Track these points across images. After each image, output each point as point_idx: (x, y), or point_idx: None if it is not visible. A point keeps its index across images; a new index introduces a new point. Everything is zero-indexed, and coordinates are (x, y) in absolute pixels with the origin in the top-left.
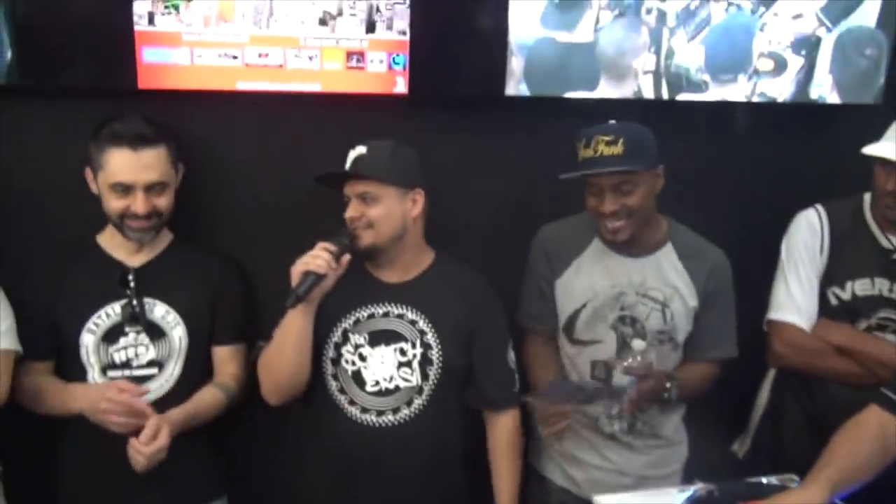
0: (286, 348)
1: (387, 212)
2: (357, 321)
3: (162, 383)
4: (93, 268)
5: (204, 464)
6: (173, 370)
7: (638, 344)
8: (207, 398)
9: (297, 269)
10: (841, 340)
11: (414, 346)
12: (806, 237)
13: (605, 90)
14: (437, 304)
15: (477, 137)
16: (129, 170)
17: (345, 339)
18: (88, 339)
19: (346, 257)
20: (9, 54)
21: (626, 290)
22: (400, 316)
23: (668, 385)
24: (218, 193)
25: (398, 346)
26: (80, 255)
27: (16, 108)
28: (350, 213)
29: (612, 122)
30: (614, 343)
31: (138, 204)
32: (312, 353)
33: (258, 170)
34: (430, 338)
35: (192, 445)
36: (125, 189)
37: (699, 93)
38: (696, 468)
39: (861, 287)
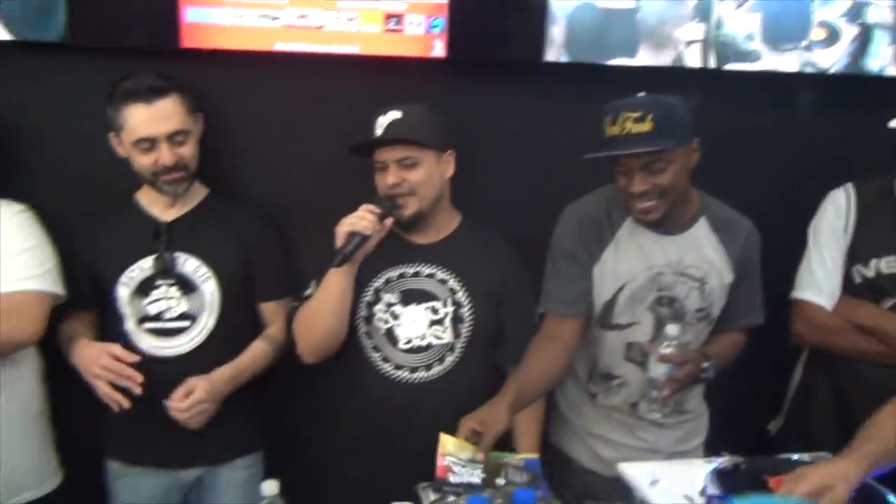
0: (326, 308)
1: (428, 175)
2: (388, 280)
3: (194, 336)
4: (129, 223)
5: (242, 418)
6: (206, 323)
7: (672, 329)
8: (255, 352)
9: (343, 228)
10: (863, 319)
11: (445, 304)
12: (830, 216)
13: (645, 58)
14: (467, 265)
15: (514, 103)
16: (149, 123)
17: (377, 298)
18: (123, 292)
19: (390, 220)
20: (62, 15)
21: (664, 270)
22: (430, 275)
23: (705, 365)
24: (254, 153)
25: (430, 304)
26: (118, 211)
27: (67, 66)
28: (391, 179)
29: (641, 94)
30: (651, 325)
31: (164, 155)
32: None
33: (295, 131)
34: (461, 296)
35: (231, 400)
36: (149, 143)
37: (748, 62)
38: (719, 442)
39: (887, 265)
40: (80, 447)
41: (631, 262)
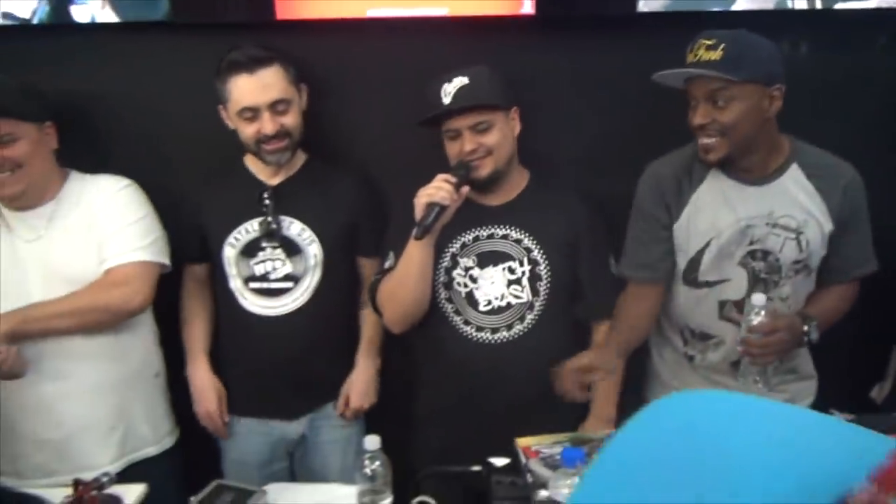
0: (409, 279)
1: (502, 136)
2: (464, 245)
3: (297, 296)
4: (237, 186)
5: (339, 371)
6: (310, 283)
7: (758, 299)
8: (374, 325)
9: (421, 200)
10: None
11: (522, 263)
12: None
13: (745, 2)
14: (540, 222)
15: (608, 58)
16: (252, 93)
17: (454, 263)
18: (230, 252)
19: (465, 188)
20: None
21: (754, 223)
22: (504, 236)
23: (806, 328)
24: (351, 118)
25: (506, 265)
26: (226, 174)
27: (173, 43)
28: (467, 146)
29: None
30: (745, 280)
31: (266, 124)
32: None
33: (389, 94)
34: (537, 254)
35: (331, 355)
36: (252, 112)
37: (858, 1)
38: (828, 402)
39: None
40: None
41: (715, 217)
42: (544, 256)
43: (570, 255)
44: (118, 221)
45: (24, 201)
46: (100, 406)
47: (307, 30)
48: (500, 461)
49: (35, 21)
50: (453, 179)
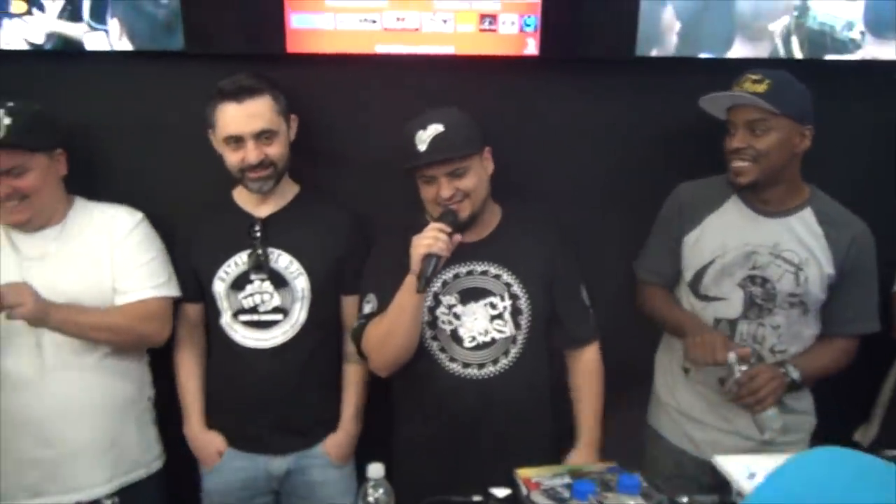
0: (401, 327)
1: (477, 179)
2: (445, 283)
3: (287, 329)
4: (225, 220)
5: (326, 409)
6: (298, 317)
7: (732, 357)
8: (357, 381)
9: (419, 251)
10: None
11: (503, 298)
12: None
13: (740, 50)
14: (516, 255)
15: (606, 99)
16: (236, 121)
17: (437, 301)
18: (219, 287)
19: (458, 236)
20: (181, 26)
21: (759, 250)
22: (484, 272)
23: (783, 370)
24: (356, 152)
25: (488, 300)
26: (215, 208)
27: (185, 73)
28: (445, 192)
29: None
30: (741, 301)
31: (250, 153)
32: None
33: (394, 130)
34: (517, 289)
35: (316, 394)
36: (237, 141)
37: (845, 53)
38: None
39: None
40: (178, 432)
41: (724, 237)
42: (524, 290)
43: (546, 285)
44: (139, 258)
45: (29, 226)
46: (96, 427)
47: (316, 63)
48: (500, 492)
49: (48, 47)
50: (447, 229)
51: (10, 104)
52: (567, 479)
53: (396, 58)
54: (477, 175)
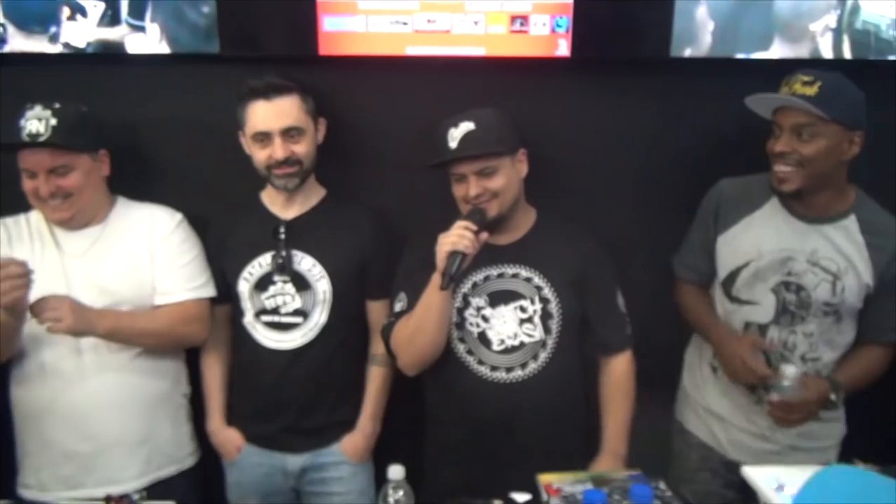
0: (428, 325)
1: (507, 179)
2: (475, 285)
3: (306, 332)
4: (252, 221)
5: (347, 409)
6: (318, 319)
7: (790, 370)
8: (380, 382)
9: (444, 248)
10: None
11: (533, 302)
12: None
13: (779, 51)
14: (548, 260)
15: (640, 101)
16: (265, 118)
17: (466, 303)
18: (244, 287)
19: (484, 234)
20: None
21: (796, 256)
22: (515, 275)
23: (833, 397)
24: (386, 154)
25: (518, 303)
26: (244, 209)
27: (224, 75)
28: (473, 190)
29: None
30: (773, 306)
31: (277, 149)
32: None
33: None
34: (548, 292)
35: (336, 392)
36: (264, 137)
37: (890, 54)
38: (856, 447)
39: None
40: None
41: (760, 241)
42: (555, 294)
43: (579, 292)
44: (180, 258)
45: (72, 224)
46: (132, 422)
47: (348, 65)
48: (521, 497)
49: (90, 51)
50: (473, 227)
51: (57, 105)
52: (589, 486)
53: (427, 60)
54: (507, 176)
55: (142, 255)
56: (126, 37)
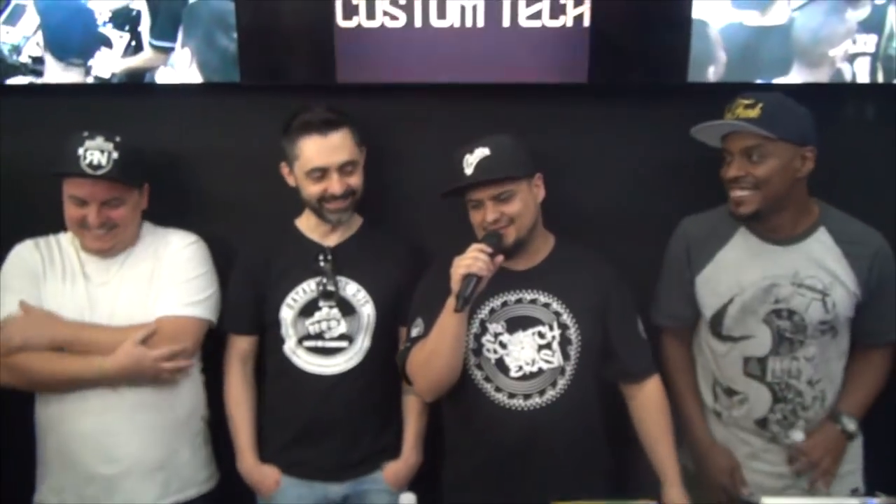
0: (443, 350)
1: (523, 205)
2: (492, 311)
3: (351, 356)
4: (292, 249)
5: (385, 438)
6: (362, 344)
7: (796, 435)
8: (418, 411)
9: (458, 271)
10: None
11: (551, 328)
12: None
13: (797, 76)
14: (567, 285)
15: (658, 126)
16: (323, 154)
17: (483, 329)
18: (287, 314)
19: (500, 258)
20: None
21: (779, 282)
22: (533, 301)
23: (839, 427)
24: (401, 182)
25: (536, 329)
26: (281, 238)
27: (245, 103)
28: (490, 216)
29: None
30: (769, 338)
31: (334, 185)
32: None
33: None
34: (566, 318)
35: (376, 421)
36: (321, 172)
37: None
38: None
39: None
40: (232, 453)
41: (739, 274)
42: (574, 320)
43: (599, 319)
44: (178, 276)
45: (108, 254)
46: (153, 446)
47: (366, 93)
48: None
49: (115, 81)
50: (488, 249)
51: (118, 139)
52: None
53: (444, 86)
54: (523, 200)
55: (150, 277)
56: (153, 64)
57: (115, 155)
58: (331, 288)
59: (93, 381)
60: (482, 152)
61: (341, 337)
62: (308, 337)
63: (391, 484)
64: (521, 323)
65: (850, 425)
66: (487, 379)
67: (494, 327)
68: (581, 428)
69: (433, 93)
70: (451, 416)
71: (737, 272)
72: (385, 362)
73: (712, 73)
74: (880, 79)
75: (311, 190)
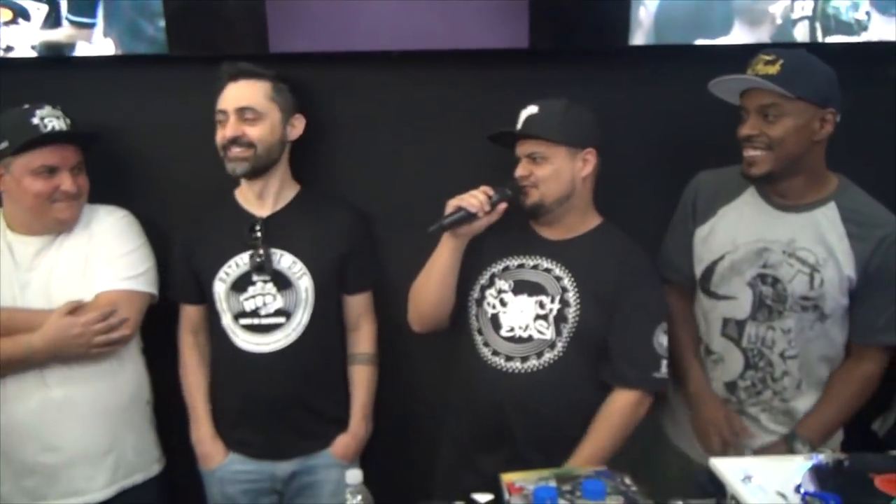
0: (431, 278)
1: (554, 172)
2: (506, 268)
3: (289, 332)
4: (226, 220)
5: (334, 412)
6: (301, 319)
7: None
8: (367, 380)
9: (452, 202)
10: None
11: (553, 300)
12: None
13: (740, 35)
14: (586, 266)
15: (600, 91)
16: (226, 97)
17: (491, 282)
18: (220, 288)
19: (503, 206)
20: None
21: (772, 247)
22: (547, 270)
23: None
24: (345, 153)
25: (538, 298)
26: (215, 208)
27: (172, 74)
28: (519, 171)
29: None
30: (749, 301)
31: (229, 129)
32: (464, 291)
33: (385, 129)
34: (571, 296)
35: (322, 395)
36: (223, 116)
37: (849, 35)
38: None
39: None
40: (177, 436)
41: (735, 232)
42: (577, 301)
43: (605, 310)
44: (112, 251)
45: (64, 227)
46: (96, 432)
47: (300, 62)
48: (483, 497)
49: (34, 54)
50: (491, 193)
51: (59, 107)
52: (552, 484)
53: (384, 54)
54: (555, 167)
55: (83, 255)
56: (67, 34)
57: (67, 121)
58: (259, 260)
59: (23, 362)
60: (531, 110)
61: (278, 312)
62: (244, 314)
63: (340, 458)
64: (527, 287)
65: (803, 450)
66: (479, 331)
67: (501, 284)
68: (560, 406)
69: (373, 62)
70: (446, 359)
71: (734, 230)
72: (328, 338)
73: (654, 36)
74: (819, 38)
75: (217, 136)
